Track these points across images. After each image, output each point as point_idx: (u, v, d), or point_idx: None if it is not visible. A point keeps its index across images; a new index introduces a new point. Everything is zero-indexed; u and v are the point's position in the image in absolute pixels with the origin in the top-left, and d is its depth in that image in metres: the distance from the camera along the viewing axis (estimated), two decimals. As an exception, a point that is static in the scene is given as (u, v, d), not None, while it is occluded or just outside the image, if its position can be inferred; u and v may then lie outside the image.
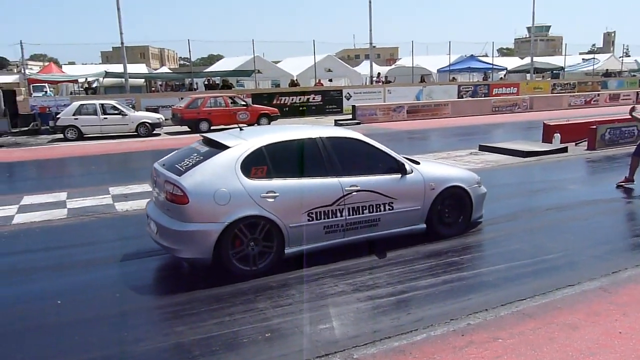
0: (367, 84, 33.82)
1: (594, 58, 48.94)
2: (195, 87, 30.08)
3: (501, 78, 41.93)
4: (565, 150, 13.26)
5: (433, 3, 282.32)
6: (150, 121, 20.12)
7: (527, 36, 48.81)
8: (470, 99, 29.82)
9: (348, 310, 4.68)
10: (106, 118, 19.52)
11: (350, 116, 23.81)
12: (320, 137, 6.03)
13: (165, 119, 21.27)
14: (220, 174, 5.41)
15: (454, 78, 39.20)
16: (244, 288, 5.16)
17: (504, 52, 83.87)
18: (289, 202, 5.57)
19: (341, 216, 5.85)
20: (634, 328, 4.18)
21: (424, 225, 6.51)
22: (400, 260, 5.85)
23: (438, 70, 40.44)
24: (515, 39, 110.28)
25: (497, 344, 3.97)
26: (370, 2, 30.64)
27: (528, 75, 40.29)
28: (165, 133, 20.78)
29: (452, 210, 6.70)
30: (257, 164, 5.57)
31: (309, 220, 5.68)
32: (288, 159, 5.86)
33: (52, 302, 4.97)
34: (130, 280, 5.61)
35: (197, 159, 5.62)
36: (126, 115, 19.73)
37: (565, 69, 43.95)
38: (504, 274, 5.47)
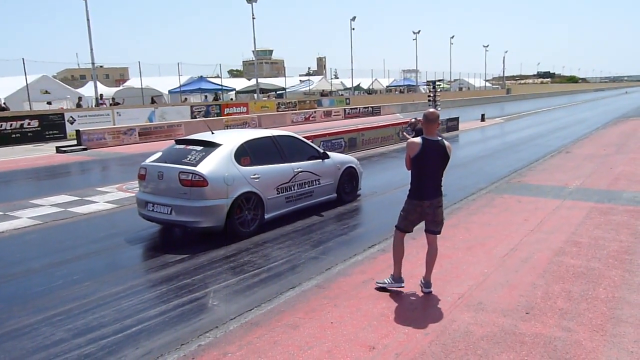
0: (93, 106, 31.46)
1: (309, 80, 55.22)
2: None
3: (231, 99, 43.89)
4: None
5: (164, 24, 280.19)
6: None
7: (253, 59, 52.20)
8: (204, 119, 30.27)
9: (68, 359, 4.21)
10: None
11: (75, 141, 21.72)
12: (273, 135, 8.58)
13: None
14: (223, 164, 7.32)
15: (185, 99, 39.41)
16: None
17: (234, 74, 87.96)
18: (266, 181, 7.81)
19: (294, 190, 8.37)
20: (342, 316, 4.76)
21: (335, 195, 9.44)
22: (129, 293, 5.55)
23: (169, 92, 40.06)
24: (243, 62, 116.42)
25: (226, 359, 4.06)
26: (88, 19, 28.73)
27: (256, 95, 43.09)
28: None
29: (349, 183, 9.77)
30: (243, 155, 7.66)
31: (277, 193, 8.03)
32: (260, 151, 8.02)
33: None
34: None
35: (201, 154, 7.39)
36: None
37: (287, 89, 48.47)
38: (235, 288, 5.66)
